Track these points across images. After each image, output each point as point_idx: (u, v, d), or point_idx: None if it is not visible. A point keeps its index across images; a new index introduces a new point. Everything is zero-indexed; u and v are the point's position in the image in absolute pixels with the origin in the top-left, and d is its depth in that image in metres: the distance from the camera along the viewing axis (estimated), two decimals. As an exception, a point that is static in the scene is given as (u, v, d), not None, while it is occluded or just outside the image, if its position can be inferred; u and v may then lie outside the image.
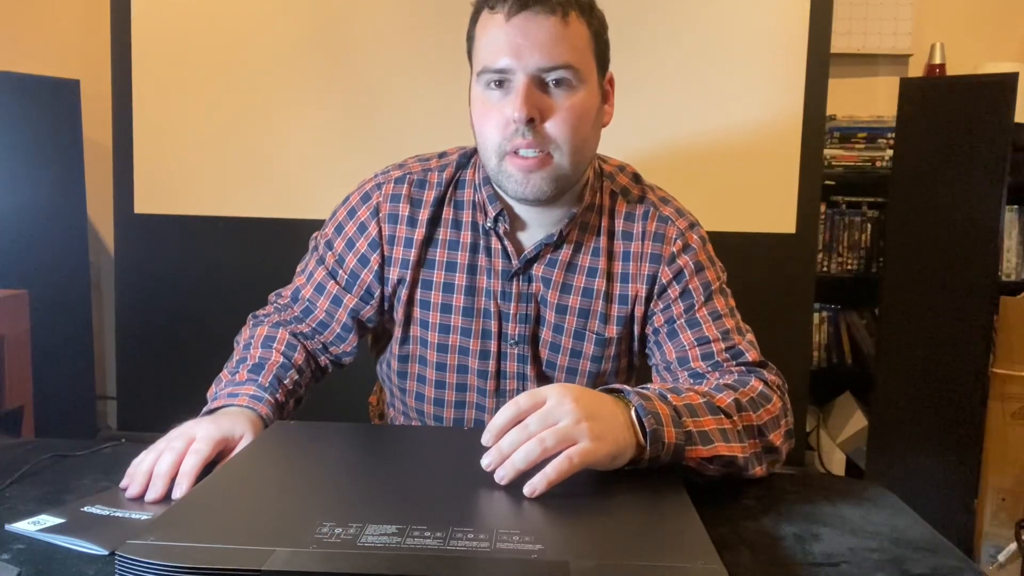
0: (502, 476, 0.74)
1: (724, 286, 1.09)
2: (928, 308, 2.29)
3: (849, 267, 2.84)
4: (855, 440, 2.75)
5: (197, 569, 0.57)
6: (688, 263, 1.06)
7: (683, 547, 0.64)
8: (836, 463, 2.80)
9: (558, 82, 0.94)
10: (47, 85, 2.55)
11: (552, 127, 0.95)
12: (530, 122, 0.93)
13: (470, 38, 1.00)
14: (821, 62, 2.27)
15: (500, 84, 0.95)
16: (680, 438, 0.80)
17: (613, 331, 1.08)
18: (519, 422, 0.76)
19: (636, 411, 0.81)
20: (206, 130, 2.42)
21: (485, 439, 0.77)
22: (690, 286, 1.05)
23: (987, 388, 2.18)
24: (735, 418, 0.88)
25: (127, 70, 2.42)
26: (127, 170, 2.45)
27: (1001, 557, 2.06)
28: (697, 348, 1.02)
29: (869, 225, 2.81)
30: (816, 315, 2.81)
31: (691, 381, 1.01)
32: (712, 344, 1.02)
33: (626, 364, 1.13)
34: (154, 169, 2.45)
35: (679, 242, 1.07)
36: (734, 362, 1.01)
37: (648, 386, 0.88)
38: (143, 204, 2.47)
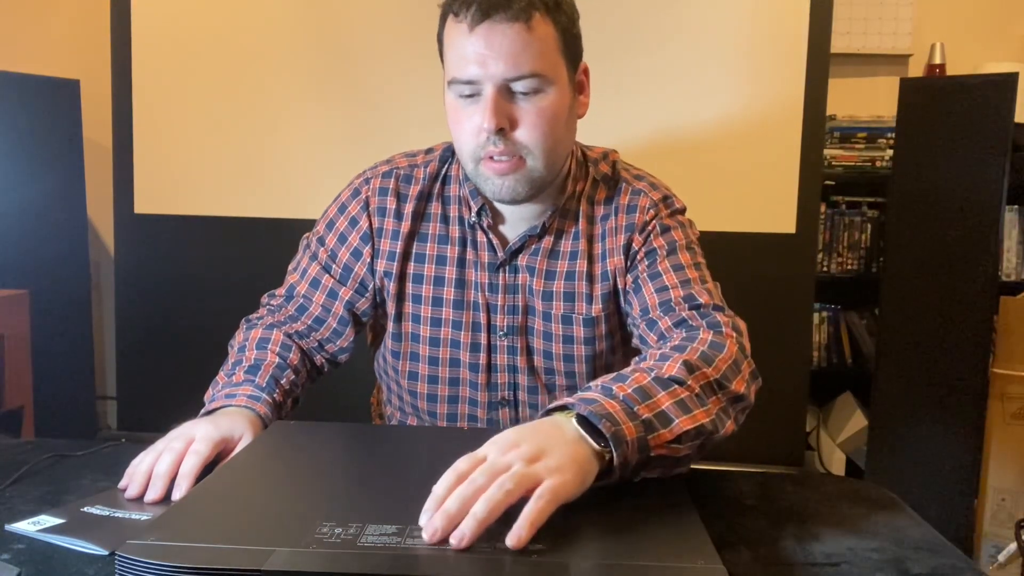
0: (462, 535, 0.62)
1: (693, 245, 1.09)
2: (928, 308, 2.29)
3: (849, 267, 2.84)
4: (855, 440, 2.74)
5: (197, 569, 0.57)
6: (655, 226, 1.08)
7: (683, 547, 0.63)
8: (836, 463, 2.80)
9: (526, 89, 0.95)
10: (47, 85, 2.55)
11: (523, 134, 0.97)
12: (500, 131, 0.95)
13: (439, 40, 1.02)
14: (821, 62, 2.27)
15: (470, 94, 0.96)
16: (640, 430, 0.75)
17: (598, 310, 1.08)
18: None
19: (585, 417, 0.74)
20: (206, 130, 2.42)
21: (423, 517, 0.64)
22: (655, 244, 1.06)
23: (987, 388, 2.18)
24: (689, 383, 0.82)
25: (127, 70, 2.42)
26: (127, 170, 2.45)
27: (1001, 557, 2.05)
28: (656, 296, 1.03)
29: (869, 225, 2.81)
30: (816, 315, 2.81)
31: (654, 337, 1.00)
32: (670, 291, 1.02)
33: (620, 339, 1.13)
34: (154, 169, 2.45)
35: (651, 211, 1.08)
36: (687, 306, 1.00)
37: (589, 385, 0.82)
38: (143, 204, 2.46)
